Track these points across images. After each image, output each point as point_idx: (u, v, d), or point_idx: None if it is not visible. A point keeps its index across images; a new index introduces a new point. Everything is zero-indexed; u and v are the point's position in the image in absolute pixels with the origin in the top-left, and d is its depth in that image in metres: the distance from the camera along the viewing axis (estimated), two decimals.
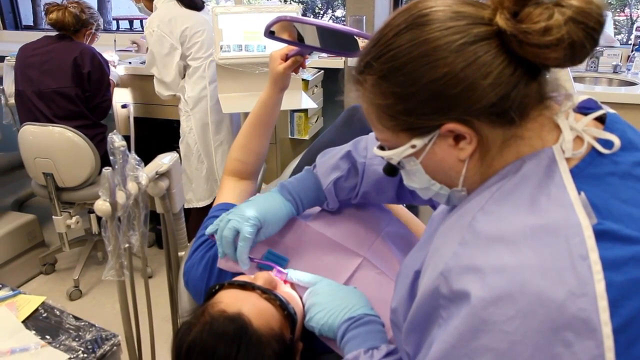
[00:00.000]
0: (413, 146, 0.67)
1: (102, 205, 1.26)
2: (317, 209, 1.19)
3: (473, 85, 0.60)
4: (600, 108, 0.69)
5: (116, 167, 1.29)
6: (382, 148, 0.72)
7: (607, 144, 0.63)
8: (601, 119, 0.67)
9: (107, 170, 1.25)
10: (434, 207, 1.12)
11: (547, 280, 0.54)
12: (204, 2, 2.47)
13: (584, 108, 0.68)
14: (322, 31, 1.15)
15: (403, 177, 0.76)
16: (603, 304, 0.53)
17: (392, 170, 0.76)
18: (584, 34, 0.57)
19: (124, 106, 2.72)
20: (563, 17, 0.56)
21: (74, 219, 2.43)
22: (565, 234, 0.56)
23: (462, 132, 0.63)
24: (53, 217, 2.43)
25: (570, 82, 1.11)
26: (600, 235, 0.56)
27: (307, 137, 2.72)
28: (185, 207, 2.44)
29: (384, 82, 0.64)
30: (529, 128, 0.64)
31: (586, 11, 0.56)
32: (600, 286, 0.53)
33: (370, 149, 1.10)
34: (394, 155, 0.70)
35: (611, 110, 0.69)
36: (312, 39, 1.17)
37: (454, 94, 0.61)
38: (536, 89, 0.63)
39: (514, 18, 0.59)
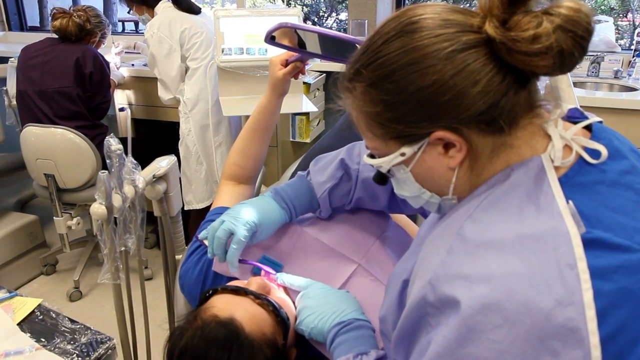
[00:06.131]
0: (403, 154, 0.67)
1: (97, 209, 1.26)
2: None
3: (462, 93, 0.60)
4: (585, 117, 0.69)
5: (112, 170, 1.29)
6: (372, 156, 0.72)
7: (595, 153, 0.63)
8: (588, 128, 0.67)
9: (103, 173, 1.25)
10: (425, 215, 1.12)
11: (534, 288, 0.54)
12: (200, 8, 2.50)
13: (570, 117, 0.68)
14: (324, 38, 1.15)
15: (394, 185, 0.76)
16: (590, 313, 0.53)
17: (382, 178, 0.76)
18: (573, 42, 0.57)
19: (121, 109, 2.74)
20: (552, 25, 0.56)
21: (74, 220, 2.43)
22: (553, 243, 0.56)
23: (451, 140, 0.63)
24: (54, 218, 2.44)
25: (571, 89, 1.11)
26: (589, 243, 0.56)
27: (308, 140, 2.73)
28: (185, 208, 2.45)
29: (373, 89, 0.64)
30: (519, 136, 0.64)
31: (575, 19, 0.56)
32: (588, 295, 0.53)
33: (363, 156, 1.10)
34: (384, 163, 0.69)
35: (597, 118, 0.69)
36: (313, 45, 1.17)
37: (443, 102, 0.61)
38: (526, 97, 0.62)
39: (503, 26, 0.59)
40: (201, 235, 1.11)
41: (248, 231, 1.02)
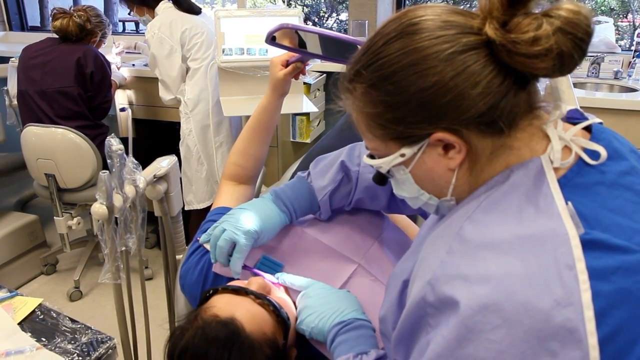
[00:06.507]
0: (402, 155, 0.67)
1: (98, 209, 1.26)
2: None
3: (462, 95, 0.60)
4: (585, 119, 0.69)
5: (113, 170, 1.29)
6: (372, 157, 0.73)
7: (594, 154, 0.63)
8: (587, 129, 0.67)
9: (104, 173, 1.25)
10: (425, 216, 1.13)
11: (533, 289, 0.54)
12: (200, 8, 2.51)
13: (570, 118, 0.69)
14: (324, 39, 1.15)
15: (393, 186, 0.76)
16: (589, 314, 0.53)
17: (381, 179, 0.76)
18: (572, 44, 0.57)
19: (122, 109, 2.74)
20: (551, 27, 0.56)
21: (75, 219, 2.44)
22: (552, 244, 0.56)
23: (451, 141, 0.63)
24: (54, 217, 2.44)
25: (571, 90, 1.11)
26: (588, 244, 0.56)
27: (308, 140, 2.73)
28: (186, 208, 2.45)
29: (374, 90, 0.64)
30: (518, 138, 0.64)
31: (574, 22, 0.56)
32: (586, 296, 0.53)
33: (363, 156, 1.11)
34: (384, 163, 0.70)
35: (597, 119, 0.69)
36: (314, 46, 1.17)
37: (443, 103, 0.61)
38: (525, 99, 0.63)
39: (503, 28, 0.59)
40: (202, 240, 1.11)
41: (249, 240, 1.03)
